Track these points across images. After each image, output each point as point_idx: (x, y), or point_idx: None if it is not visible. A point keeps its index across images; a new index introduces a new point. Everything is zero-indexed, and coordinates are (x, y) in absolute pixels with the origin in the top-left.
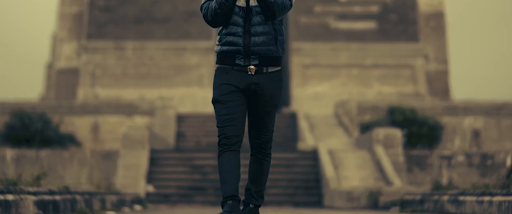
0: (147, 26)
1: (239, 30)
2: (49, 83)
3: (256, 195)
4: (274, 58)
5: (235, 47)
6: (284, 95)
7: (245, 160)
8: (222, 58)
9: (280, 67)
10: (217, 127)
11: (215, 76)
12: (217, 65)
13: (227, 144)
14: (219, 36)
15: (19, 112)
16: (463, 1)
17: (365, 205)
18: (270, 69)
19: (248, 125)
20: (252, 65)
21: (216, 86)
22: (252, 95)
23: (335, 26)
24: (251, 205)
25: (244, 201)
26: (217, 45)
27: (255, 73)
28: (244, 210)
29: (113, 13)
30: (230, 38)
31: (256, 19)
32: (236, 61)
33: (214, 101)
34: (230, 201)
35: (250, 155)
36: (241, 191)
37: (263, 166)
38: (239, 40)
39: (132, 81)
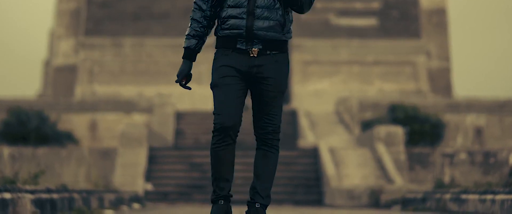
0: (145, 23)
1: (242, 11)
2: (47, 81)
3: (263, 193)
4: (280, 42)
5: (237, 31)
6: None
7: (246, 158)
8: (223, 41)
9: (286, 53)
10: (213, 113)
11: (214, 59)
12: (216, 49)
13: (222, 134)
14: (219, 20)
15: (16, 109)
16: None
17: (366, 204)
18: (275, 52)
19: (253, 115)
20: (255, 48)
21: (214, 69)
22: (255, 80)
23: (336, 23)
24: (257, 205)
25: (249, 201)
26: (217, 29)
27: (258, 55)
28: (250, 210)
29: (111, 9)
30: (232, 21)
31: (262, 1)
32: (237, 45)
33: (212, 86)
34: (222, 201)
35: (256, 149)
36: (235, 188)
37: (269, 159)
38: (242, 23)
39: (130, 78)
